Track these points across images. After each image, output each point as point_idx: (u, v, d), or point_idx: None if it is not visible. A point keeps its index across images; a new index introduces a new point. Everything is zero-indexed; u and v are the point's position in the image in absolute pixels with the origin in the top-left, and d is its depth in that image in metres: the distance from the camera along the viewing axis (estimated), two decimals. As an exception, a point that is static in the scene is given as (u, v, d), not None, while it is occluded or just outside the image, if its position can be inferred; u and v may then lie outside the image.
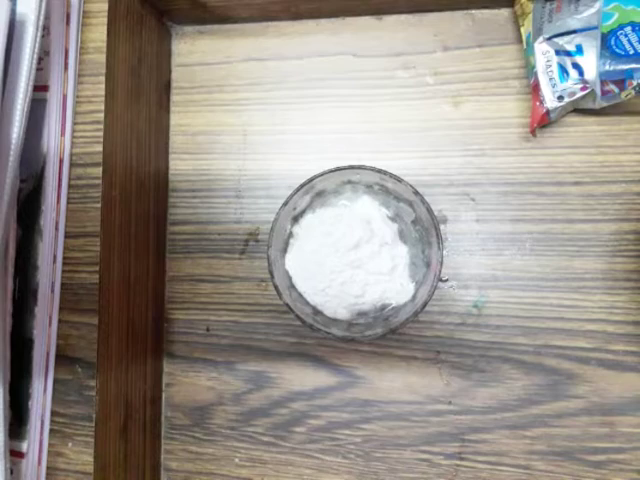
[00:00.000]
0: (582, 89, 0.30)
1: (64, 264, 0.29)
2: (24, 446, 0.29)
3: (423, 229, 0.30)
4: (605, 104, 0.30)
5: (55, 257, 0.29)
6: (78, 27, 0.29)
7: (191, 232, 0.36)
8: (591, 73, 0.29)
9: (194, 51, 0.38)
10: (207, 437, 0.35)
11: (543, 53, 0.31)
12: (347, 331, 0.29)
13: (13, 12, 0.26)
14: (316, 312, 0.30)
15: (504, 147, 0.33)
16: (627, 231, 0.32)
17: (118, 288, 0.31)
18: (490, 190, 0.33)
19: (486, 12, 0.34)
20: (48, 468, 0.29)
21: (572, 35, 0.30)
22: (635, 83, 0.28)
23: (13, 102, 0.26)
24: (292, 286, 0.30)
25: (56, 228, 0.29)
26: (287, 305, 0.28)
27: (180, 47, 0.38)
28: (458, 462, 0.33)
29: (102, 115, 0.29)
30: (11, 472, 0.29)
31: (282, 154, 0.36)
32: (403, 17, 0.35)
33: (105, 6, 0.30)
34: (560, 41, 0.30)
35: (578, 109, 0.32)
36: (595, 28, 0.29)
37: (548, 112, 0.31)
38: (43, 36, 0.27)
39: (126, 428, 0.32)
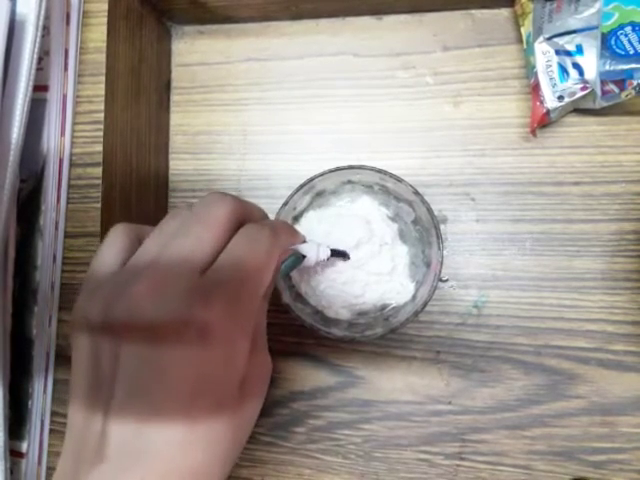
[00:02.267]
0: (582, 89, 0.30)
1: (64, 264, 0.29)
2: (24, 446, 0.29)
3: (423, 229, 0.30)
4: (605, 104, 0.30)
5: (55, 257, 0.29)
6: (78, 27, 0.29)
7: (191, 232, 0.36)
8: (591, 73, 0.29)
9: (194, 51, 0.38)
10: (207, 437, 0.35)
11: (543, 53, 0.31)
12: (347, 331, 0.29)
13: (13, 12, 0.26)
14: (316, 312, 0.30)
15: (504, 147, 0.33)
16: (627, 231, 0.32)
17: (118, 288, 0.31)
18: (490, 190, 0.33)
19: (486, 12, 0.34)
20: (48, 468, 0.29)
21: (572, 35, 0.30)
22: (635, 83, 0.28)
23: (13, 102, 0.26)
24: (292, 286, 0.30)
25: (56, 228, 0.29)
26: (287, 305, 0.28)
27: (180, 47, 0.38)
28: (458, 462, 0.33)
29: (102, 115, 0.29)
30: (11, 472, 0.29)
31: (282, 154, 0.36)
32: (403, 17, 0.35)
33: (105, 6, 0.30)
34: (560, 41, 0.30)
35: (578, 109, 0.32)
36: (595, 28, 0.29)
37: (548, 112, 0.31)
38: (43, 36, 0.27)
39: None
